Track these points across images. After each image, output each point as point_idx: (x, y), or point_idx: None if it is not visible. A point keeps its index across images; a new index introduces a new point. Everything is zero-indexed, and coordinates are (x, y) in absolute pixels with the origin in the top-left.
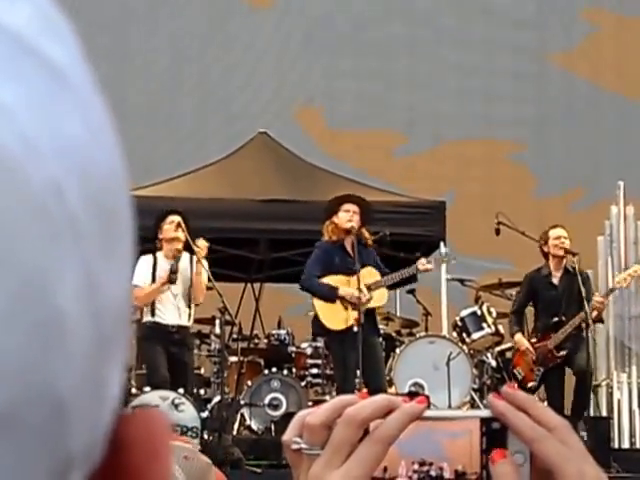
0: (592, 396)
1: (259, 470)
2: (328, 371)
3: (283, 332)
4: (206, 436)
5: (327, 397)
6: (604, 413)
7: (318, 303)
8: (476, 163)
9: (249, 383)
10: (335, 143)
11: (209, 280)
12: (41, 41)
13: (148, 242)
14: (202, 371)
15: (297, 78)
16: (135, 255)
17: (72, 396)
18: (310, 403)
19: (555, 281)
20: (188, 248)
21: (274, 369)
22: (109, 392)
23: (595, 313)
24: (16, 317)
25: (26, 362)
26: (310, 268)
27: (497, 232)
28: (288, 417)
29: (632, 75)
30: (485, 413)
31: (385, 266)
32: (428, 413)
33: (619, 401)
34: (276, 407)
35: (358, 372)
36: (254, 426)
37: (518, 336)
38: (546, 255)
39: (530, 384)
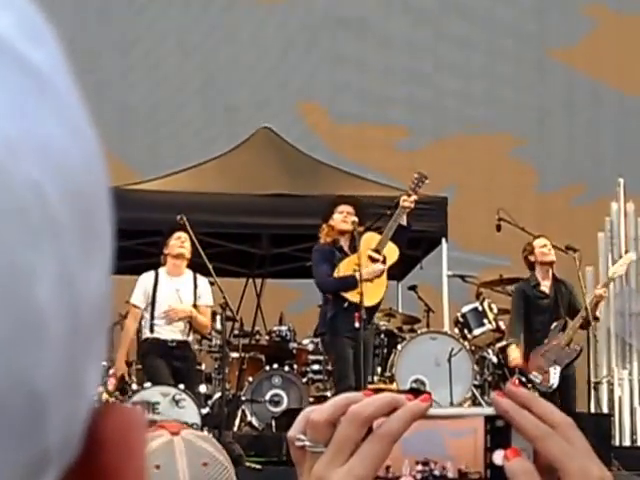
0: (593, 393)
1: (260, 467)
2: (329, 367)
3: (284, 328)
4: (207, 432)
5: (328, 393)
6: (605, 410)
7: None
8: (477, 159)
9: (250, 379)
10: (338, 138)
11: (209, 275)
12: (22, 45)
13: (153, 245)
14: (203, 367)
15: (300, 73)
16: (140, 268)
17: (48, 389)
18: (311, 399)
19: (545, 289)
20: (193, 267)
21: (275, 365)
22: (86, 387)
23: (595, 306)
24: None
25: (2, 355)
26: (320, 272)
27: (498, 228)
28: (289, 413)
29: (633, 71)
30: (489, 411)
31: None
32: (432, 411)
33: (620, 398)
34: (277, 403)
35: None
36: (255, 422)
37: (512, 347)
38: (532, 265)
39: (549, 383)
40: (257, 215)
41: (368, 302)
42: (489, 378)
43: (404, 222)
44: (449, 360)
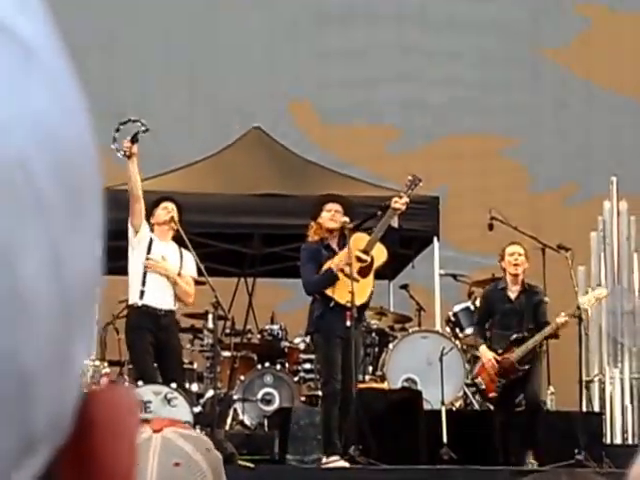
0: (584, 391)
1: (252, 465)
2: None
3: (276, 327)
4: (199, 431)
5: (319, 392)
6: (596, 409)
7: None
8: (469, 158)
9: (242, 378)
10: (328, 138)
11: (201, 274)
12: (11, 19)
13: None
14: (195, 366)
15: (290, 73)
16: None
17: (36, 368)
18: (302, 398)
19: (511, 295)
20: (179, 240)
21: (267, 364)
22: (74, 367)
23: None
24: None
25: None
26: (307, 273)
27: (490, 227)
28: (281, 412)
29: (625, 71)
30: None
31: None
32: None
33: (611, 396)
34: (269, 402)
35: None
36: (247, 421)
37: (483, 348)
38: (504, 270)
39: (491, 395)
40: (248, 215)
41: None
42: None
43: (395, 224)
44: (440, 359)
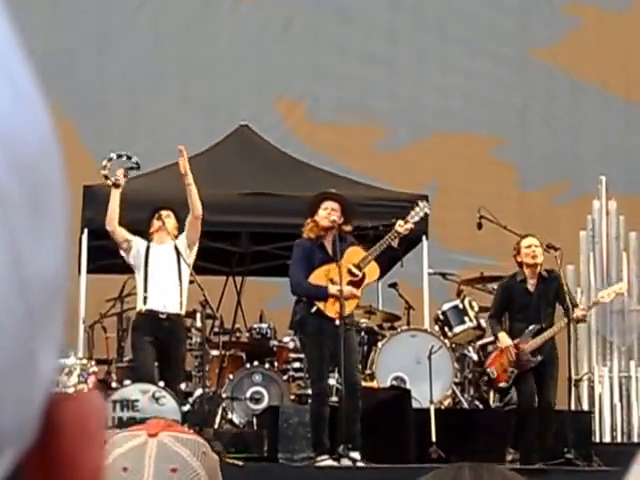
0: (574, 390)
1: (241, 463)
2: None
3: (265, 326)
4: (192, 433)
5: (309, 391)
6: (585, 407)
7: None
8: (458, 157)
9: (231, 377)
10: (317, 136)
11: (190, 274)
12: None
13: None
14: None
15: (279, 71)
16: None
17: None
18: (292, 397)
19: (530, 287)
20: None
21: (256, 363)
22: (40, 367)
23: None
24: None
25: None
26: (296, 273)
27: (479, 226)
28: (270, 411)
29: (614, 70)
30: None
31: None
32: None
33: (600, 395)
34: (258, 401)
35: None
36: (236, 420)
37: (502, 334)
38: (520, 264)
39: (502, 384)
40: (236, 213)
41: (335, 314)
42: (469, 376)
43: (395, 244)
44: (429, 358)
